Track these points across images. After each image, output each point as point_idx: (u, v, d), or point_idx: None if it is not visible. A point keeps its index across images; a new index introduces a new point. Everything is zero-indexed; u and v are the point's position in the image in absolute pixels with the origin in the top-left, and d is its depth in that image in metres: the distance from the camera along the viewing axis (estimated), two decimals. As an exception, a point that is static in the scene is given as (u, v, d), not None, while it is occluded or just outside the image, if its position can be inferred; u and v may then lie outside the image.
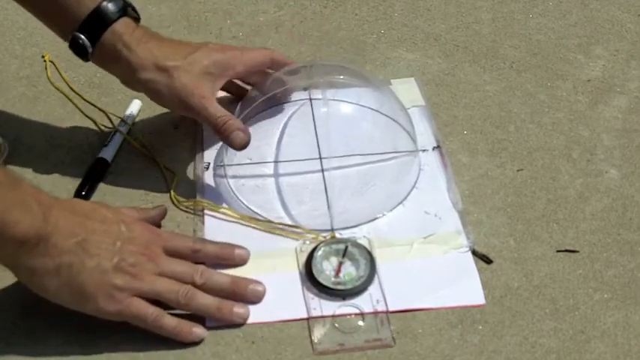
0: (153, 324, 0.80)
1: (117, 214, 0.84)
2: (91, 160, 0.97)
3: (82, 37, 0.92)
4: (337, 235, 0.90)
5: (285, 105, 1.03)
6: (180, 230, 0.91)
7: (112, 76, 0.98)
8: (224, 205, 0.93)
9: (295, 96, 1.04)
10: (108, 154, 0.98)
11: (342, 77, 1.01)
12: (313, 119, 1.00)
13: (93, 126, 1.02)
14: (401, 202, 0.93)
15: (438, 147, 0.99)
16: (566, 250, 0.90)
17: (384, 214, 0.92)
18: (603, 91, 1.08)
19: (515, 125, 1.03)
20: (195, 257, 0.85)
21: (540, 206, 0.94)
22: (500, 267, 0.88)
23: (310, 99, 1.03)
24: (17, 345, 0.81)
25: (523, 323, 0.83)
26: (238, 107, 0.99)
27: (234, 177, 0.96)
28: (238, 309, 0.83)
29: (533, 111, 1.05)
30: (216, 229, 0.91)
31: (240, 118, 0.96)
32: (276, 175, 0.96)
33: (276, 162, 0.97)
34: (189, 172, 0.97)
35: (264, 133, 1.00)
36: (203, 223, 0.92)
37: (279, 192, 0.94)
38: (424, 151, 0.98)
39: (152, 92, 0.93)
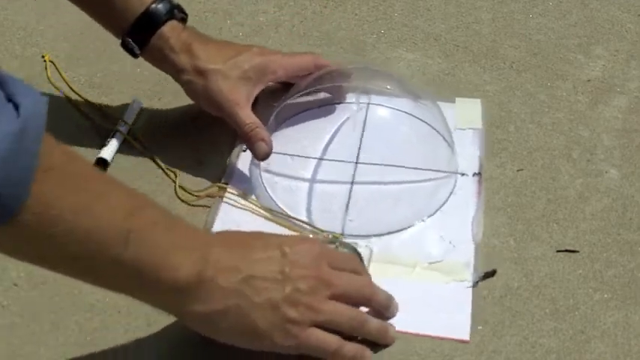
0: (335, 353, 0.77)
1: (277, 235, 0.81)
2: (91, 160, 0.97)
3: (131, 40, 0.95)
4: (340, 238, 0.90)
5: (338, 107, 1.02)
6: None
7: (112, 76, 0.99)
8: (253, 197, 0.94)
9: (348, 99, 1.03)
10: (108, 154, 0.98)
11: (388, 87, 1.00)
12: (363, 126, 0.99)
13: (93, 126, 1.02)
14: (422, 221, 0.92)
15: (478, 174, 0.97)
16: (566, 250, 0.90)
17: (399, 230, 0.91)
18: (603, 91, 1.08)
19: (515, 125, 1.03)
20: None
21: (540, 206, 0.94)
22: (501, 267, 0.88)
23: (369, 103, 1.01)
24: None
25: (523, 323, 0.83)
26: (283, 99, 0.99)
27: (267, 171, 0.96)
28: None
29: (533, 111, 1.05)
30: (228, 214, 0.92)
31: (282, 104, 0.97)
32: (313, 180, 0.95)
33: (320, 159, 0.97)
34: (190, 172, 0.97)
35: (311, 132, 1.00)
36: (218, 208, 0.93)
37: (310, 196, 0.94)
38: (463, 175, 0.96)
39: (191, 93, 0.97)
